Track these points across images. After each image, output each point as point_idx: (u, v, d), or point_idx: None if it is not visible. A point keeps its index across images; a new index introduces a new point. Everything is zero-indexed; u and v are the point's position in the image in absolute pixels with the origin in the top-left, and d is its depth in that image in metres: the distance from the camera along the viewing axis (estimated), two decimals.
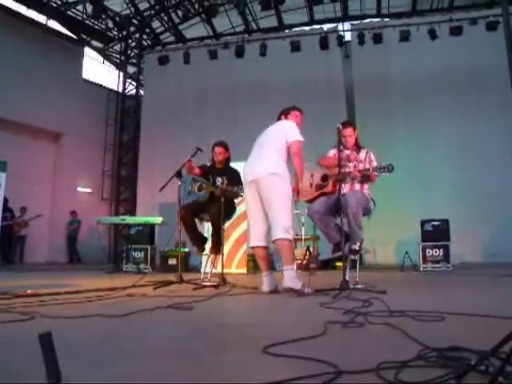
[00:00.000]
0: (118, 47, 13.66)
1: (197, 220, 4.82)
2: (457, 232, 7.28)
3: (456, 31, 9.61)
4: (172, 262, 7.70)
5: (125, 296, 3.26)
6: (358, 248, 4.14)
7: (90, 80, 13.76)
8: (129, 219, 8.08)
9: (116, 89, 13.87)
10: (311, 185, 4.53)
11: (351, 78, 10.46)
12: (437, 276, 5.74)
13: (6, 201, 10.98)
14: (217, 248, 4.67)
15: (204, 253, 5.00)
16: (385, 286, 3.77)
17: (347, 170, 4.33)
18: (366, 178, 4.33)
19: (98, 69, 14.12)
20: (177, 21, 12.25)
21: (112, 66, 14.45)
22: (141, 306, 2.58)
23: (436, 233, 7.08)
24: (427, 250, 7.03)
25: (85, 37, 13.23)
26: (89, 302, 2.89)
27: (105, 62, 14.33)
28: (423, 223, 7.21)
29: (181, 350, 1.51)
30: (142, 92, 12.97)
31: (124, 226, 8.38)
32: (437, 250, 6.99)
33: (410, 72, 9.85)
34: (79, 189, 13.30)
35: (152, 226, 7.93)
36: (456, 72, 9.49)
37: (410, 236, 7.95)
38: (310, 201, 4.45)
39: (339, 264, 6.87)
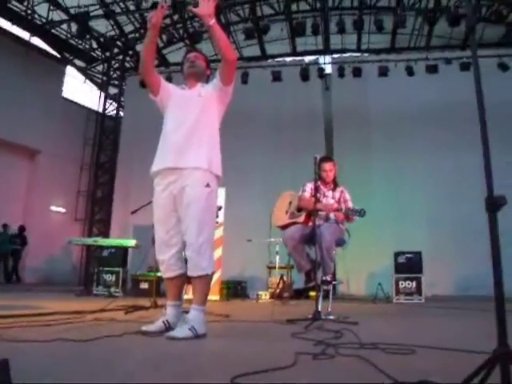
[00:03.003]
0: (100, 67, 13.67)
1: None
2: (430, 264, 7.36)
3: (432, 69, 9.96)
4: (144, 286, 7.53)
5: (92, 320, 3.17)
6: (329, 279, 4.15)
7: (71, 99, 13.68)
8: (101, 241, 7.92)
9: (96, 109, 13.82)
10: (286, 212, 4.57)
11: (330, 109, 10.67)
12: (409, 308, 5.76)
13: (22, 229, 11.18)
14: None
15: None
16: (357, 317, 3.76)
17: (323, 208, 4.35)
18: (345, 218, 4.35)
19: (78, 88, 14.07)
20: (161, 45, 12.36)
21: (93, 86, 14.42)
22: (108, 331, 2.51)
23: (409, 265, 7.16)
24: (400, 282, 7.08)
25: (67, 55, 13.20)
26: (52, 326, 2.78)
27: (86, 81, 14.29)
28: (397, 255, 7.29)
29: (148, 379, 1.47)
30: (122, 114, 12.96)
31: (96, 248, 8.22)
32: (409, 282, 7.04)
33: (388, 106, 10.11)
34: (52, 208, 13.05)
35: (125, 249, 7.78)
36: (432, 107, 9.74)
37: (383, 267, 8.03)
38: (283, 227, 4.48)
39: (313, 294, 6.86)
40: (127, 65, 13.21)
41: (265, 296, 7.41)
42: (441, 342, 2.17)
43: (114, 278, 7.40)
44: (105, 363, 1.76)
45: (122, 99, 13.06)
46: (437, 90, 9.76)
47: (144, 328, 2.63)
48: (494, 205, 1.42)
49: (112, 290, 7.20)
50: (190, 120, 2.80)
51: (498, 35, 10.94)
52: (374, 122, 10.19)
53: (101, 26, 11.79)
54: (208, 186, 2.70)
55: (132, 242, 7.44)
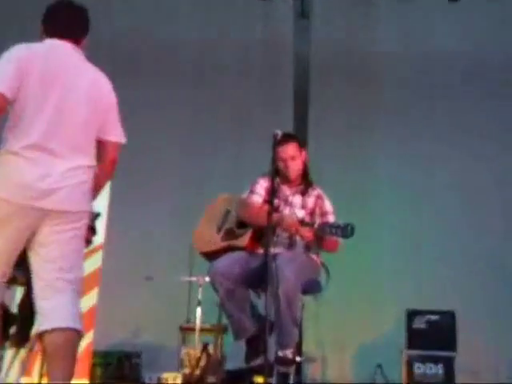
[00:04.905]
0: None
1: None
2: (467, 334, 7.39)
3: None
4: None
5: None
6: (291, 356, 4.10)
7: None
8: None
9: None
10: (220, 229, 4.51)
11: (307, 51, 10.44)
12: None
13: None
14: (25, 335, 4.41)
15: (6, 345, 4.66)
16: None
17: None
18: (317, 240, 4.36)
19: None
20: None
21: None
22: None
23: (433, 334, 7.11)
24: (416, 365, 7.00)
25: None
26: None
27: None
28: (412, 316, 7.23)
29: None
30: None
31: None
32: (434, 365, 6.97)
33: (409, 52, 10.03)
34: None
35: None
36: (485, 60, 9.78)
37: (386, 336, 8.06)
38: (212, 254, 4.45)
39: (260, 380, 6.72)
40: None
41: (173, 381, 7.31)
42: None
43: None
44: None
45: None
46: (497, 29, 9.79)
47: None
48: None
49: None
50: None
51: None
52: (384, 80, 10.08)
53: None
54: None
55: None
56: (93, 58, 3.59)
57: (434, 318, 7.20)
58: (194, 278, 7.10)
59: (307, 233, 4.25)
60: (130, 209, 8.40)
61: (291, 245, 4.37)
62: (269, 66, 10.32)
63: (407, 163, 9.62)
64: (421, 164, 9.62)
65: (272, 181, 4.08)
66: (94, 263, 6.93)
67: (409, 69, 10.06)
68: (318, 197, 4.54)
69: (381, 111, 10.03)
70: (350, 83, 9.97)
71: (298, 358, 4.50)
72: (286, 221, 4.25)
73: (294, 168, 4.50)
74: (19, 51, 3.35)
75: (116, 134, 3.62)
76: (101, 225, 6.93)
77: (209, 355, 7.09)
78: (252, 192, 4.54)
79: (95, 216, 5.82)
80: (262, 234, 4.26)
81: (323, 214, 4.48)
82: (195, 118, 9.99)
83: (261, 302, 4.20)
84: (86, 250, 6.12)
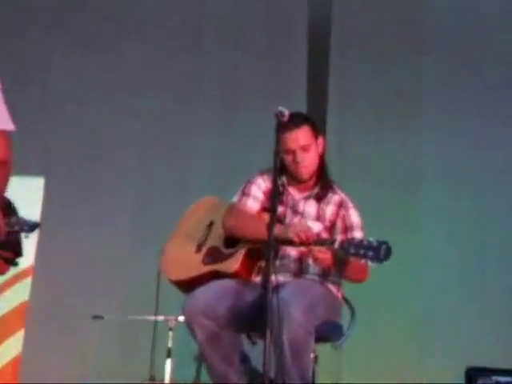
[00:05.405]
0: None
1: None
2: None
3: None
4: None
5: None
6: None
7: None
8: None
9: None
10: (200, 247, 4.72)
11: (328, 16, 10.48)
12: None
13: None
14: None
15: None
16: None
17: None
18: (338, 265, 4.35)
19: None
20: None
21: None
22: None
23: None
24: None
25: None
26: None
27: None
28: (473, 375, 7.04)
29: None
30: None
31: None
32: None
33: (457, 20, 10.12)
34: None
35: None
36: None
37: None
38: (189, 284, 4.53)
39: None
40: None
41: None
42: None
43: None
44: None
45: None
46: None
47: None
48: None
49: None
50: None
51: None
52: (428, 49, 10.15)
53: None
54: None
55: None
56: None
57: (504, 379, 7.06)
58: (161, 317, 7.02)
59: (324, 254, 4.15)
60: (71, 221, 8.40)
61: (301, 271, 4.42)
62: (278, 30, 10.43)
63: (466, 147, 9.50)
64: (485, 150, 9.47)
65: (275, 180, 3.96)
66: (18, 295, 6.77)
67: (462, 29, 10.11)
68: (341, 204, 4.56)
69: (425, 82, 10.10)
70: (383, 47, 9.99)
71: None
72: (294, 234, 4.16)
73: (307, 163, 4.50)
74: None
75: None
76: (30, 243, 6.89)
77: None
78: (245, 194, 4.60)
79: (31, 227, 5.84)
80: (260, 255, 4.20)
81: (347, 228, 4.50)
82: (178, 94, 10.03)
83: (256, 352, 4.14)
84: (6, 276, 6.12)
